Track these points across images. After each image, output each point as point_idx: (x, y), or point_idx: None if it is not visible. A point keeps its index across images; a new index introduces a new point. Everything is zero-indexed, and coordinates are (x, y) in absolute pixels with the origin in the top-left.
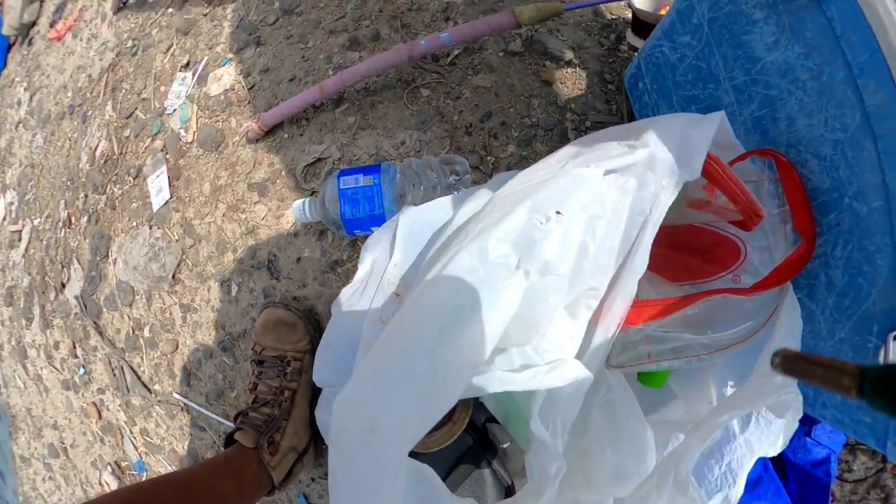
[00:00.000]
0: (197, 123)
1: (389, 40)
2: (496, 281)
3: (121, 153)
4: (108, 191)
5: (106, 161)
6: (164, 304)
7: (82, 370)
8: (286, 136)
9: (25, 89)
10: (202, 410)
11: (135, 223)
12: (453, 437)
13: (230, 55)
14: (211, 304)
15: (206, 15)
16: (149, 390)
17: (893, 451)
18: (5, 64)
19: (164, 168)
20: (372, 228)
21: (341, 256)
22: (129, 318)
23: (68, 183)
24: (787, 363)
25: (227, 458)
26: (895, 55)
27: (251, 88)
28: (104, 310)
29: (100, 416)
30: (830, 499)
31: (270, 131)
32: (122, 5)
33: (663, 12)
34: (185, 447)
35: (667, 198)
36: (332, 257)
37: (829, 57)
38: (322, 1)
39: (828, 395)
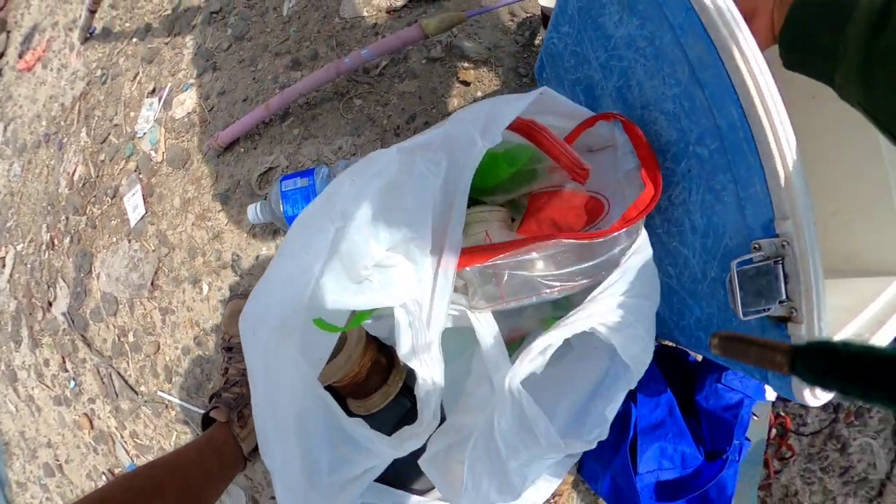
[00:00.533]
0: (165, 144)
1: (326, 58)
2: (315, 224)
3: (98, 176)
4: (87, 212)
5: (84, 184)
6: (146, 309)
7: (73, 383)
8: (242, 150)
9: None
10: (184, 405)
11: (115, 239)
12: (388, 399)
13: (191, 80)
14: (186, 305)
15: (167, 43)
16: (136, 392)
17: (775, 381)
18: None
19: (139, 187)
20: None
21: None
22: (114, 326)
23: (49, 207)
24: (724, 344)
25: (208, 438)
26: (704, 10)
27: (211, 110)
28: (90, 322)
29: (92, 426)
30: (745, 439)
31: (229, 147)
32: (88, 36)
33: None
34: (172, 443)
35: (472, 164)
36: None
37: (658, 24)
38: (268, 26)
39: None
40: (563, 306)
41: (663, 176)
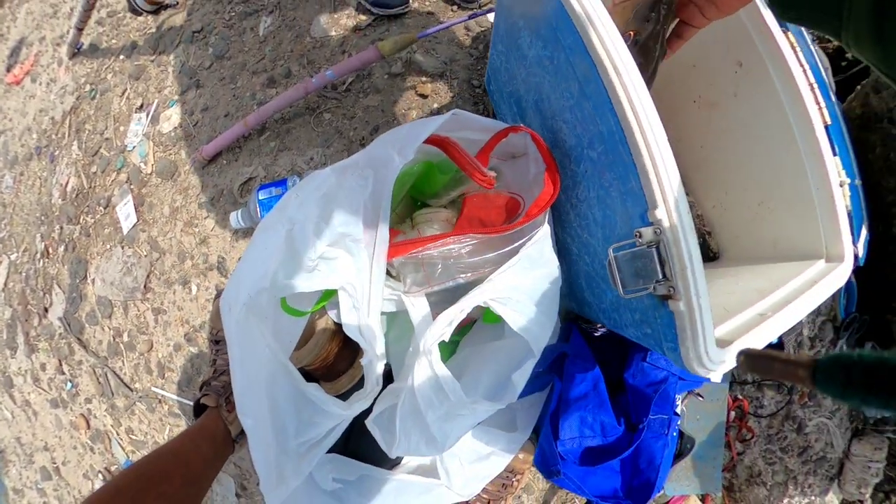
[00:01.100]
0: (154, 157)
1: (298, 75)
2: (271, 227)
3: (90, 187)
4: (81, 221)
5: (77, 195)
6: (139, 310)
7: (69, 384)
8: (225, 162)
9: None
10: (176, 398)
11: (108, 246)
12: (355, 381)
13: (176, 97)
14: (177, 305)
15: (153, 61)
16: (130, 389)
17: (671, 354)
18: None
19: (130, 197)
20: None
21: None
22: (109, 328)
23: (42, 218)
24: (749, 361)
25: (201, 426)
26: (585, 32)
27: (195, 125)
28: (86, 325)
29: (88, 426)
30: (676, 414)
31: (212, 159)
32: (76, 51)
33: None
34: (166, 436)
35: (390, 178)
36: None
37: (555, 45)
38: (246, 45)
39: (628, 318)
40: None
41: (570, 177)
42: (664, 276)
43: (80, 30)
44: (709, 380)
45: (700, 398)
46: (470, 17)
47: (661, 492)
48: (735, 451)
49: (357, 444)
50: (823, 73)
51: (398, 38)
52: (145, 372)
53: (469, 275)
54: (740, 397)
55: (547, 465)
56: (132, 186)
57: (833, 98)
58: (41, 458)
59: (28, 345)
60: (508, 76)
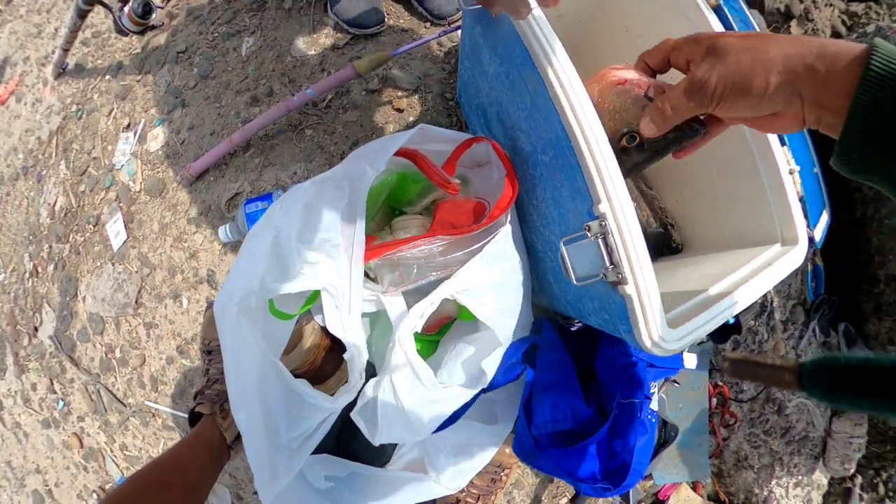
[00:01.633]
0: (142, 175)
1: (280, 94)
2: (259, 235)
3: (79, 206)
4: (70, 239)
5: (66, 214)
6: (131, 325)
7: (61, 403)
8: (212, 178)
9: None
10: (170, 411)
11: (98, 263)
12: (342, 382)
13: (163, 116)
14: (168, 318)
15: (139, 81)
16: (124, 404)
17: (628, 337)
18: None
19: (120, 214)
20: None
21: None
22: (101, 345)
23: (30, 237)
24: (735, 367)
25: (197, 435)
26: (532, 48)
27: (182, 143)
28: (78, 343)
29: (81, 445)
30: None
31: (200, 176)
32: (61, 71)
33: None
34: (160, 451)
35: (364, 188)
36: None
37: (510, 61)
38: (230, 65)
39: (590, 306)
40: None
41: (529, 180)
42: (612, 263)
43: (65, 50)
44: (681, 366)
45: (677, 384)
46: (440, 35)
47: (651, 482)
48: (720, 437)
49: (349, 446)
50: None
51: (373, 56)
52: (138, 386)
53: (440, 273)
54: (720, 384)
55: (523, 448)
56: (121, 204)
57: None
58: (33, 481)
59: (18, 365)
60: (475, 90)
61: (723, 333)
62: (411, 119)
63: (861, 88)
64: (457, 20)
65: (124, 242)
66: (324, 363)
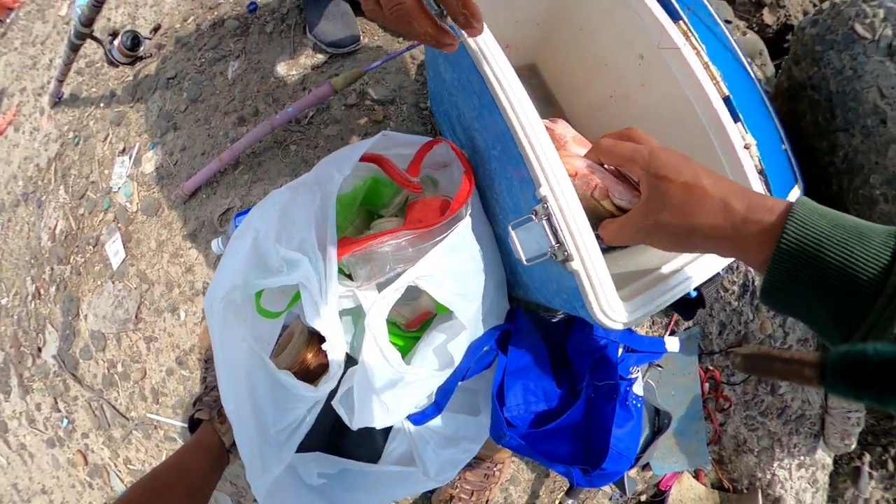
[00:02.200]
0: (138, 196)
1: (265, 113)
2: (240, 237)
3: (79, 228)
4: (71, 261)
5: (66, 237)
6: (132, 340)
7: (65, 421)
8: (204, 196)
9: None
10: (171, 422)
11: (99, 282)
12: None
13: (156, 139)
14: (167, 331)
15: (132, 107)
16: (126, 418)
17: (583, 312)
18: None
19: (118, 234)
20: None
21: None
22: (103, 361)
23: (32, 261)
24: (747, 361)
25: (197, 440)
26: (473, 54)
27: (175, 164)
28: (80, 360)
29: (86, 462)
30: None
31: (193, 194)
32: (57, 101)
33: None
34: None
35: (333, 191)
36: None
37: (461, 68)
38: (217, 88)
39: (551, 289)
40: None
41: (487, 175)
42: (557, 241)
43: (60, 81)
44: (664, 350)
45: (660, 368)
46: (408, 49)
47: (651, 472)
48: (717, 423)
49: (339, 445)
50: (739, 53)
51: (348, 73)
52: (140, 399)
53: (409, 265)
54: (711, 368)
55: (496, 431)
56: (119, 225)
57: (752, 72)
58: (39, 503)
59: (22, 387)
60: (441, 98)
61: (689, 309)
62: (390, 128)
63: (773, 262)
64: None
65: (123, 261)
66: (313, 364)
